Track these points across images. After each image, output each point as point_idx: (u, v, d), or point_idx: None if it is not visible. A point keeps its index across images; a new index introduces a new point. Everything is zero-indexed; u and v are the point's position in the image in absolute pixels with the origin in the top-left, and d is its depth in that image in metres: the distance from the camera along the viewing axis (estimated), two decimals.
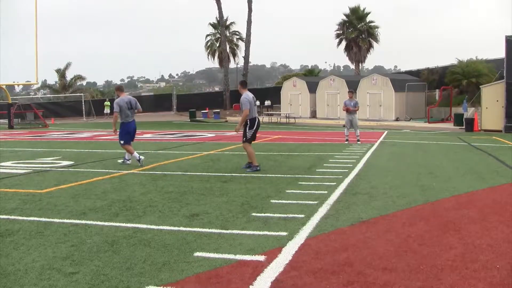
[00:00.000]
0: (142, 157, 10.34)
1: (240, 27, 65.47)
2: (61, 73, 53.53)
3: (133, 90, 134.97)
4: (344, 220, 5.62)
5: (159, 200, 6.82)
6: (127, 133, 10.55)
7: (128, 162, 10.65)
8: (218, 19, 45.07)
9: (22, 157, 12.74)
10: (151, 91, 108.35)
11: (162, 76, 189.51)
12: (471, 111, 25.18)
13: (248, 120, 9.37)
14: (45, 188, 7.92)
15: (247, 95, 9.40)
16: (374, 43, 44.81)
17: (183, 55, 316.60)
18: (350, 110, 15.64)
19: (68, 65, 53.91)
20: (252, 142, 9.63)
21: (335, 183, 7.92)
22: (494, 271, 3.94)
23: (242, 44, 46.47)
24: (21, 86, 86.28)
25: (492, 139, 17.10)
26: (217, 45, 47.36)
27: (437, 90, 32.25)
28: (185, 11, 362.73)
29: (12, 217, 5.97)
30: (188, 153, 13.14)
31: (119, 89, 11.24)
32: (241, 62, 48.02)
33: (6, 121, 32.00)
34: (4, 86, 33.84)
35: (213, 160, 11.21)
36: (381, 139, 17.36)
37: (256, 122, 9.50)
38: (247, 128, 9.39)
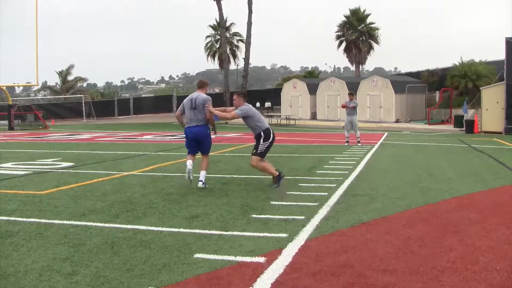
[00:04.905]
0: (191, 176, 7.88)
1: (240, 28, 65.57)
2: (64, 75, 53.66)
3: (133, 91, 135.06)
4: (344, 221, 5.62)
5: (159, 202, 6.82)
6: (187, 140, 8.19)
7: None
8: (218, 20, 45.08)
9: (22, 158, 12.74)
10: (151, 93, 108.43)
11: (162, 77, 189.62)
12: (471, 112, 25.18)
13: (262, 132, 7.88)
14: (45, 189, 7.92)
15: (248, 107, 8.04)
16: (375, 45, 44.91)
17: (183, 57, 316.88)
18: (345, 106, 15.82)
19: (70, 67, 54.06)
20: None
21: (335, 185, 7.92)
22: (494, 272, 3.94)
23: (242, 46, 46.48)
24: (21, 88, 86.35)
25: (492, 141, 17.10)
26: (217, 46, 47.39)
27: (437, 91, 32.27)
28: (185, 12, 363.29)
29: (12, 218, 5.97)
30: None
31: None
32: (241, 63, 48.06)
33: (6, 122, 32.01)
34: (4, 87, 33.85)
35: (213, 162, 11.18)
36: (381, 141, 17.36)
37: (272, 134, 8.00)
38: (261, 140, 7.87)
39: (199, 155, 8.30)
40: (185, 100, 8.13)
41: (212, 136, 8.33)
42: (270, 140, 7.94)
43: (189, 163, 7.84)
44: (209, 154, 8.34)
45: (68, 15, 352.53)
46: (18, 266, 4.22)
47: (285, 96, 37.48)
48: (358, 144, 15.28)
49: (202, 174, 7.89)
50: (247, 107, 7.98)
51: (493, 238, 4.92)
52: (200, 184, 7.80)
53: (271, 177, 8.03)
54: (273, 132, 8.03)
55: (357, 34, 43.84)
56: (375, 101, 31.41)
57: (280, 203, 6.60)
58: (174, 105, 47.40)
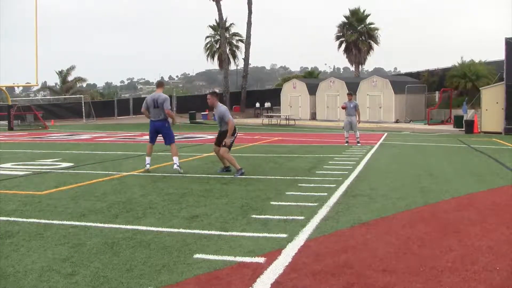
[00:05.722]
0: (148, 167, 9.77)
1: (240, 28, 65.50)
2: (64, 75, 53.67)
3: (132, 91, 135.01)
4: (344, 222, 5.62)
5: (158, 202, 6.82)
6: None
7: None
8: (217, 21, 45.08)
9: (22, 158, 12.73)
10: (151, 93, 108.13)
11: (162, 77, 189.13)
12: (471, 113, 25.19)
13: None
14: (44, 189, 7.92)
15: (224, 106, 9.53)
16: (374, 45, 44.92)
17: (183, 57, 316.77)
18: (345, 107, 15.81)
19: (71, 68, 54.06)
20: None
21: (335, 185, 7.92)
22: (494, 273, 3.94)
23: (242, 46, 46.51)
24: (21, 88, 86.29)
25: (492, 141, 17.11)
26: (217, 46, 47.38)
27: (437, 92, 32.28)
28: (184, 13, 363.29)
29: (12, 218, 5.97)
30: (187, 154, 13.13)
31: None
32: (241, 63, 48.07)
33: (6, 122, 31.99)
34: (4, 88, 33.84)
35: (213, 162, 11.19)
36: (381, 141, 17.37)
37: (237, 131, 9.64)
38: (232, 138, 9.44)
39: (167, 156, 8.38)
40: (149, 99, 9.78)
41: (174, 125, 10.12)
42: (235, 136, 9.49)
43: (148, 160, 9.81)
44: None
45: (68, 15, 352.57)
46: (18, 266, 4.22)
47: (285, 96, 37.49)
48: (358, 144, 15.28)
49: (175, 160, 9.60)
50: (226, 108, 9.52)
51: (493, 238, 4.92)
52: (175, 166, 9.50)
53: (225, 166, 9.60)
54: (237, 129, 9.65)
55: (356, 34, 43.84)
56: (374, 101, 31.43)
57: (279, 203, 6.61)
58: (174, 105, 47.41)
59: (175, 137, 10.07)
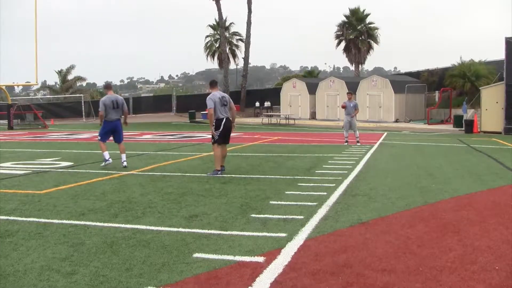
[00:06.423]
0: (109, 161, 10.43)
1: (239, 28, 65.46)
2: (63, 75, 53.70)
3: (132, 91, 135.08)
4: (343, 221, 5.63)
5: (158, 201, 6.82)
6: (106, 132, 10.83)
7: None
8: (217, 20, 45.04)
9: (21, 158, 12.73)
10: (150, 92, 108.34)
11: (162, 77, 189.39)
12: (470, 112, 25.20)
13: (214, 121, 9.07)
14: (44, 189, 7.92)
15: (213, 94, 9.15)
16: (374, 44, 44.88)
17: (182, 56, 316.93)
18: (345, 107, 15.80)
19: (71, 68, 54.06)
20: (222, 144, 9.27)
21: (334, 185, 7.93)
22: (493, 272, 3.94)
23: (242, 45, 46.47)
24: (20, 87, 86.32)
25: (491, 141, 17.11)
26: (217, 46, 47.34)
27: (437, 91, 32.28)
28: (184, 12, 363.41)
29: (12, 217, 5.97)
30: (187, 154, 13.14)
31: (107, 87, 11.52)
32: (240, 63, 48.05)
33: (5, 122, 32.00)
34: (3, 87, 33.83)
35: (212, 162, 11.19)
36: (380, 140, 17.37)
37: (223, 124, 9.08)
38: (213, 129, 9.15)
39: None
40: (107, 101, 10.44)
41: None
42: (220, 130, 9.11)
43: (108, 155, 10.46)
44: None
45: (68, 15, 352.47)
46: (17, 265, 4.22)
47: (285, 95, 37.47)
48: (358, 144, 15.28)
49: (124, 157, 10.52)
50: (212, 95, 9.17)
51: (492, 238, 4.93)
52: (124, 164, 10.32)
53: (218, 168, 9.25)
54: (224, 123, 9.15)
55: (356, 33, 43.79)
56: (374, 100, 31.41)
57: (279, 202, 6.61)
58: (174, 104, 47.42)
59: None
